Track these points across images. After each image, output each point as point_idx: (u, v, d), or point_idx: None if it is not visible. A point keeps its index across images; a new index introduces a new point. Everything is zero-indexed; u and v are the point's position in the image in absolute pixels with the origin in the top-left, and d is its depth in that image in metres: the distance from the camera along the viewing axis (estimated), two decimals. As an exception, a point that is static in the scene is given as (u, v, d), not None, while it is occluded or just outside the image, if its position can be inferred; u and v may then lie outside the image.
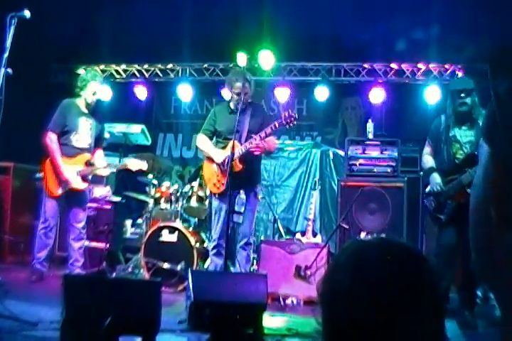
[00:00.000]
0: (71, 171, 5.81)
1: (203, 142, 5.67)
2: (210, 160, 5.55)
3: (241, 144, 5.28)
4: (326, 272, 1.37)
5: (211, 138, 5.68)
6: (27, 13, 4.34)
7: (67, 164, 5.81)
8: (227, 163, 5.22)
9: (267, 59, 8.56)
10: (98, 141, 6.13)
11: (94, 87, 5.91)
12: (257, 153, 5.28)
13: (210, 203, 5.85)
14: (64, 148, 5.86)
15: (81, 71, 8.58)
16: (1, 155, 4.11)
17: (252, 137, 5.25)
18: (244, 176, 5.20)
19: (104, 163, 6.07)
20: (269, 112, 8.74)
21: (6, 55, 4.26)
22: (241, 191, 5.19)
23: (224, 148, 5.47)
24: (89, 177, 6.08)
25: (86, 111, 5.99)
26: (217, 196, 5.53)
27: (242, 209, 5.13)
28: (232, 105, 5.61)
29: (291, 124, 5.14)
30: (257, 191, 5.64)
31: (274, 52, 8.51)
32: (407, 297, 1.25)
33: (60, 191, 5.84)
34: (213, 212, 5.59)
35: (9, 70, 4.24)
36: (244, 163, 5.25)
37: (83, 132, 5.94)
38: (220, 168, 5.43)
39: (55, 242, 6.45)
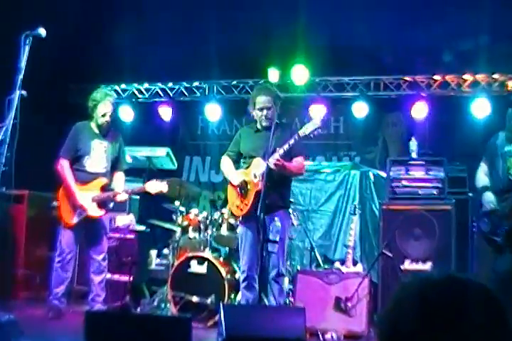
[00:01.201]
0: (86, 197, 5.82)
1: (224, 164, 5.70)
2: (231, 183, 5.57)
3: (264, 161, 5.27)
4: (387, 311, 1.33)
5: (236, 161, 5.67)
6: (42, 32, 4.38)
7: (81, 190, 5.82)
8: (243, 186, 5.28)
9: (300, 74, 8.61)
10: (116, 164, 6.13)
11: (104, 108, 5.92)
12: (277, 167, 5.19)
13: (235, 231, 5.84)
14: (77, 173, 5.89)
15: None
16: (15, 182, 4.11)
17: (274, 152, 5.21)
18: (272, 197, 5.16)
19: (121, 188, 6.06)
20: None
21: (20, 76, 4.30)
22: (276, 218, 5.14)
23: (248, 167, 5.46)
24: (110, 204, 6.11)
25: (99, 132, 6.00)
26: (242, 219, 5.51)
27: (278, 238, 5.08)
28: (258, 124, 5.61)
29: (315, 133, 5.09)
30: (286, 215, 5.58)
31: (307, 67, 8.56)
32: None
33: (75, 220, 5.84)
34: (239, 240, 5.54)
35: (24, 92, 4.28)
36: (269, 182, 5.19)
37: (97, 155, 5.95)
38: (237, 190, 5.43)
39: (74, 275, 6.48)
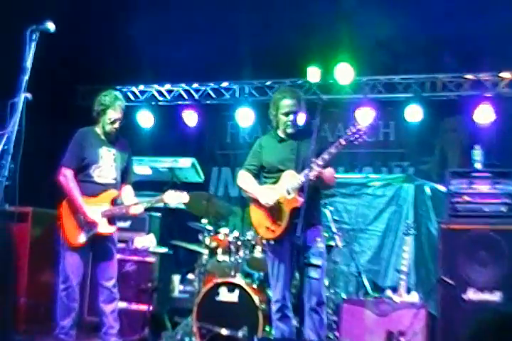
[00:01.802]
0: (95, 212, 5.75)
1: (245, 180, 5.60)
2: (257, 201, 5.49)
3: (298, 173, 5.22)
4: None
5: (256, 176, 5.60)
6: (51, 26, 4.33)
7: (89, 204, 5.75)
8: (275, 204, 5.21)
9: (344, 73, 8.60)
10: (125, 175, 6.09)
11: (114, 114, 5.86)
12: (317, 179, 5.14)
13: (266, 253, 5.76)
14: (83, 185, 5.79)
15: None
16: (19, 198, 4.13)
17: (311, 163, 5.14)
18: (307, 214, 5.09)
19: (134, 200, 6.01)
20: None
21: (25, 77, 4.26)
22: (318, 239, 5.09)
23: (275, 182, 5.40)
24: (128, 221, 6.10)
25: (107, 139, 5.98)
26: (273, 243, 5.45)
27: (320, 262, 5.01)
28: (280, 132, 5.56)
29: (360, 140, 5.03)
30: (321, 234, 5.52)
31: (352, 65, 8.55)
32: None
33: (82, 238, 5.71)
34: (270, 265, 5.49)
35: (29, 95, 4.25)
36: (305, 196, 5.13)
37: (106, 165, 5.87)
38: (267, 210, 5.36)
39: (84, 304, 6.49)
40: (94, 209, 5.71)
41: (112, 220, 5.85)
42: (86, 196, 5.74)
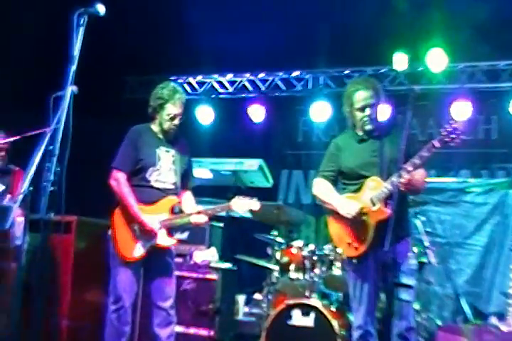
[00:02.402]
0: (153, 221, 5.75)
1: (322, 188, 5.50)
2: (336, 213, 5.42)
3: (383, 180, 5.13)
4: None
5: (334, 183, 5.55)
6: (101, 9, 4.33)
7: (145, 212, 5.74)
8: (359, 216, 5.12)
9: (437, 59, 8.50)
10: (185, 179, 6.08)
11: (173, 108, 5.82)
12: (407, 187, 5.05)
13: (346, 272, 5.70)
14: (139, 190, 5.73)
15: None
16: (65, 206, 4.14)
17: (400, 168, 5.04)
18: (395, 226, 5.00)
19: (196, 208, 5.95)
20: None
21: (73, 67, 4.27)
22: (409, 254, 5.00)
23: (357, 191, 5.32)
24: (185, 232, 6.08)
25: (165, 138, 5.97)
26: (355, 261, 5.38)
27: (413, 282, 4.94)
28: (359, 131, 5.48)
29: (457, 140, 4.91)
30: (410, 248, 5.43)
31: (446, 51, 8.44)
32: None
33: (138, 252, 5.71)
34: (352, 285, 5.43)
35: (75, 88, 4.25)
36: (392, 206, 5.04)
37: (164, 167, 5.86)
38: (348, 222, 5.29)
39: (135, 328, 6.48)
40: (152, 218, 5.69)
41: (171, 231, 5.83)
42: (141, 203, 5.68)
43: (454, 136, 4.79)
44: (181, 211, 5.85)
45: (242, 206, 5.75)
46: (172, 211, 5.77)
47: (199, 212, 5.74)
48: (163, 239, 5.69)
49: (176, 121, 5.82)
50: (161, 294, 5.77)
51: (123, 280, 5.67)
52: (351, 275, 5.37)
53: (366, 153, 5.23)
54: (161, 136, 5.89)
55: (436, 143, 4.82)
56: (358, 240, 5.18)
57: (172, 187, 5.83)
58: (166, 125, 5.82)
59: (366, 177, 5.15)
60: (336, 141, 5.60)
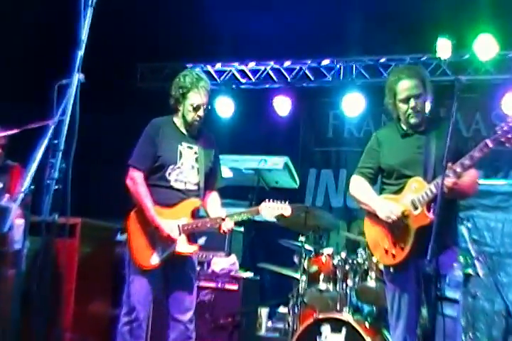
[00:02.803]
0: (172, 226, 5.74)
1: (359, 188, 5.45)
2: (374, 216, 5.36)
3: (428, 182, 5.04)
4: None
5: (373, 181, 5.48)
6: None
7: (164, 216, 5.69)
8: (399, 220, 5.03)
9: (485, 46, 8.42)
10: (211, 179, 6.04)
11: (197, 98, 5.79)
12: (453, 191, 4.95)
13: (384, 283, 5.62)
14: (157, 191, 5.71)
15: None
16: (70, 207, 4.09)
17: (447, 168, 4.94)
18: (437, 234, 4.92)
19: (222, 212, 5.87)
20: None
21: (80, 52, 4.23)
22: (455, 264, 4.92)
23: (398, 192, 5.24)
24: (202, 238, 6.02)
25: (188, 133, 5.94)
26: (392, 270, 5.32)
27: (459, 296, 4.86)
28: (403, 124, 5.40)
29: None
30: (456, 258, 5.35)
31: (496, 37, 8.36)
32: None
33: (155, 259, 5.68)
34: (390, 298, 5.33)
35: (81, 76, 4.21)
36: (437, 212, 4.96)
37: (187, 166, 5.80)
38: (387, 227, 5.22)
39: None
40: (171, 223, 5.64)
41: (192, 237, 5.77)
42: (160, 205, 5.64)
43: (510, 135, 4.69)
44: (204, 215, 5.82)
45: (272, 211, 5.71)
46: (193, 215, 5.71)
47: (223, 219, 5.64)
48: (183, 246, 5.64)
49: (201, 112, 5.75)
50: (180, 306, 5.72)
51: (137, 291, 5.64)
52: (389, 286, 5.31)
53: (410, 149, 5.13)
54: (183, 130, 5.84)
55: (490, 143, 4.69)
56: (396, 247, 5.13)
57: (194, 188, 5.77)
58: (190, 116, 5.76)
59: (409, 176, 5.06)
60: (377, 134, 5.57)
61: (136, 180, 5.64)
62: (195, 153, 5.81)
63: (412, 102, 5.16)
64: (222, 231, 5.71)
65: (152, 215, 5.56)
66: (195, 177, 5.79)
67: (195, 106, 5.72)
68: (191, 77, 5.78)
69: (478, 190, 5.30)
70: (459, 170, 4.74)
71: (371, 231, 5.34)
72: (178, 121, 5.85)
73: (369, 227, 5.35)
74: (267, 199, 5.69)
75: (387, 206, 5.13)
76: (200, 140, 5.86)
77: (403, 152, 5.23)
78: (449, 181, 4.71)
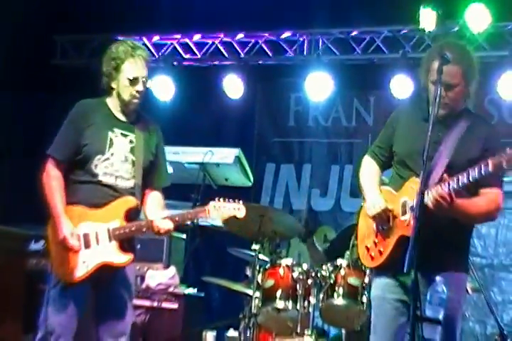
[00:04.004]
0: (100, 231, 5.56)
1: (363, 172, 5.45)
2: None
3: (430, 184, 4.98)
4: None
5: (384, 164, 5.43)
6: None
7: (90, 219, 5.61)
8: (384, 218, 5.02)
9: (476, 17, 8.40)
10: (152, 175, 5.94)
11: (134, 69, 5.65)
12: (438, 206, 4.89)
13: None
14: (82, 189, 5.63)
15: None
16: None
17: (440, 180, 4.87)
18: (439, 249, 4.90)
19: (162, 213, 5.79)
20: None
21: None
22: (437, 277, 4.89)
23: (399, 189, 5.20)
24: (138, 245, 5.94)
25: (124, 118, 5.84)
26: (375, 272, 5.35)
27: (441, 316, 4.83)
28: (433, 106, 5.31)
29: None
30: (462, 278, 5.32)
31: (490, 6, 8.36)
32: None
33: (80, 272, 5.67)
34: (374, 310, 5.30)
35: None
36: (434, 225, 4.91)
37: (119, 156, 5.71)
38: (377, 226, 5.20)
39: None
40: (98, 227, 5.52)
41: (126, 244, 5.67)
42: (86, 205, 5.56)
43: None
44: (140, 217, 5.71)
45: (224, 212, 5.66)
46: (127, 217, 5.59)
47: (164, 219, 5.55)
48: (113, 255, 5.52)
49: (140, 87, 5.60)
50: (112, 330, 5.63)
51: (57, 310, 5.48)
52: (373, 291, 5.31)
53: (425, 137, 4.98)
54: (118, 113, 5.71)
55: (491, 167, 4.60)
56: (376, 248, 5.17)
57: (128, 184, 5.65)
58: (127, 93, 5.61)
59: (410, 170, 5.02)
60: (400, 109, 5.57)
61: (49, 172, 5.52)
62: (131, 141, 5.68)
63: (443, 91, 5.05)
64: (156, 231, 5.60)
65: (58, 213, 5.44)
66: (128, 171, 5.67)
67: (131, 78, 5.58)
68: (125, 46, 5.68)
69: (497, 215, 5.09)
70: (455, 186, 4.66)
71: (363, 222, 5.38)
72: (111, 102, 5.72)
73: (363, 217, 5.38)
74: (216, 198, 5.62)
75: (378, 199, 5.13)
76: (139, 127, 5.73)
77: (417, 138, 5.07)
78: (439, 192, 4.64)
